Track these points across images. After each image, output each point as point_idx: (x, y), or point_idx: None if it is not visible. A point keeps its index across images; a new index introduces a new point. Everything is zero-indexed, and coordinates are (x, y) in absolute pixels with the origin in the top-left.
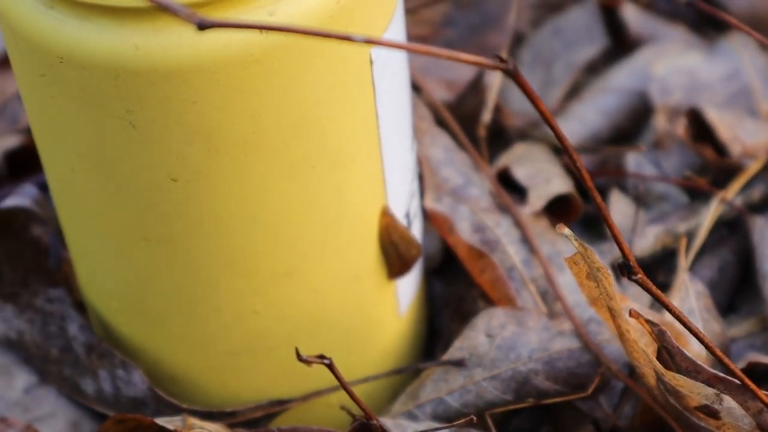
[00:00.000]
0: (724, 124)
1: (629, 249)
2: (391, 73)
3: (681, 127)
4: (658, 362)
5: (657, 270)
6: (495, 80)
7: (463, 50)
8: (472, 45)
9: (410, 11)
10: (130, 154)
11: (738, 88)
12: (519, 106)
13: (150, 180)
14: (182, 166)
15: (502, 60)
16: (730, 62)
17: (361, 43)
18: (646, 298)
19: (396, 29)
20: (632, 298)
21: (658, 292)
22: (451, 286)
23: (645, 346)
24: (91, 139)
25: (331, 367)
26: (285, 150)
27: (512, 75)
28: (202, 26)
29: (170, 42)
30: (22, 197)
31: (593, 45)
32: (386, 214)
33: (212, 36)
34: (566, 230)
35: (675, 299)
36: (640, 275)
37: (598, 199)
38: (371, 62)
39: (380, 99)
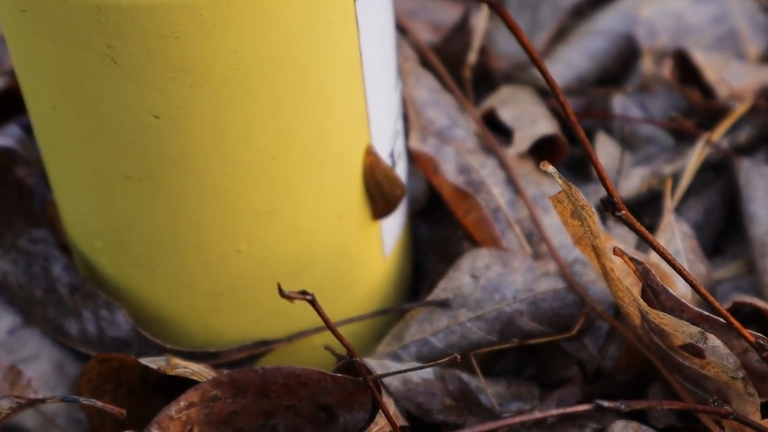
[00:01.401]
0: (710, 66)
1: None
2: (376, 10)
3: (667, 70)
4: (642, 301)
5: (642, 212)
6: (481, 22)
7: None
8: None
9: None
10: (112, 91)
11: (725, 31)
12: (505, 49)
13: (132, 117)
14: (164, 102)
15: None
16: (717, 5)
17: None
18: (632, 239)
19: None
20: (617, 239)
21: (643, 228)
22: (436, 228)
23: (630, 286)
24: (72, 75)
25: (313, 303)
26: (267, 87)
27: (496, 9)
28: None
29: None
30: (5, 138)
31: None
32: (370, 153)
33: None
34: (550, 168)
35: (660, 240)
36: (624, 212)
37: (583, 136)
38: (355, 14)
39: (364, 37)
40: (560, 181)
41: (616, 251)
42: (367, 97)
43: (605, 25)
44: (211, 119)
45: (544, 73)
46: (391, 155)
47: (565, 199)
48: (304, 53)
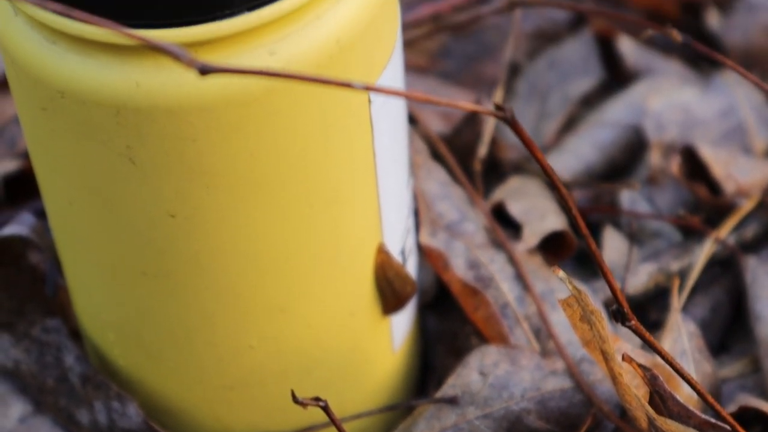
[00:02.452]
0: (718, 161)
1: (622, 289)
2: (389, 111)
3: (675, 165)
4: (650, 407)
5: (650, 308)
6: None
7: (460, 81)
8: (469, 75)
9: (408, 42)
10: (129, 190)
11: (733, 125)
12: (514, 139)
13: (148, 215)
14: (181, 202)
15: (499, 108)
16: (725, 98)
17: (360, 89)
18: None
19: (395, 66)
20: (625, 338)
21: (651, 338)
22: (445, 321)
23: (637, 389)
24: (90, 173)
25: (326, 409)
26: (282, 188)
27: (510, 123)
28: (204, 71)
29: (171, 80)
30: (20, 226)
31: (589, 77)
32: (382, 252)
33: (213, 75)
34: (561, 273)
35: (667, 340)
36: (633, 322)
37: (592, 244)
38: (369, 102)
39: (378, 137)
40: (570, 287)
41: (625, 358)
42: (379, 196)
43: (614, 115)
44: (227, 219)
45: (558, 188)
46: (402, 252)
47: (574, 304)
48: (319, 155)
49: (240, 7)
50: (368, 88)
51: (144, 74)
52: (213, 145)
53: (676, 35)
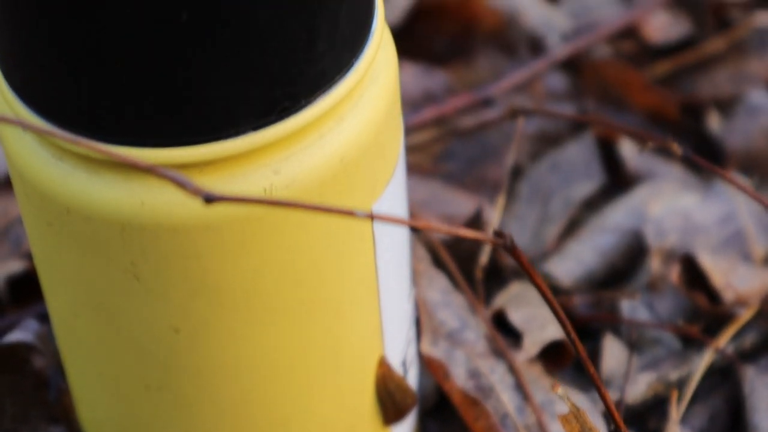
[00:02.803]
0: (717, 270)
1: (622, 398)
2: (392, 226)
3: (675, 273)
4: None
5: (649, 416)
6: (495, 216)
7: (463, 183)
8: (471, 178)
9: (412, 145)
10: (134, 305)
11: (732, 232)
12: (516, 242)
13: (152, 330)
14: (185, 317)
15: (498, 234)
16: (725, 204)
17: (363, 217)
18: None
19: (398, 180)
20: None
21: None
22: (446, 427)
23: None
24: (95, 287)
25: None
26: (285, 303)
27: (509, 250)
28: (209, 199)
29: (175, 199)
30: (24, 332)
31: (591, 181)
32: (383, 365)
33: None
34: (560, 390)
35: None
36: None
37: (589, 365)
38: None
39: (380, 252)
40: (569, 404)
41: None
42: (381, 309)
43: (614, 220)
44: (230, 334)
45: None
46: (404, 363)
47: (573, 420)
48: (322, 271)
49: (245, 128)
50: (370, 216)
51: (149, 193)
52: (217, 263)
53: (676, 148)
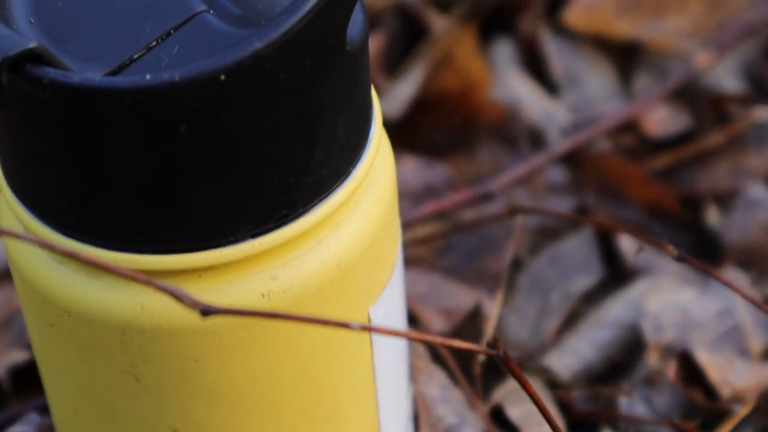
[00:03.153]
0: (714, 366)
1: None
2: (390, 318)
3: (672, 370)
4: None
5: None
6: (494, 310)
7: (463, 276)
8: (472, 271)
9: (412, 239)
10: (133, 405)
11: (729, 327)
12: (515, 335)
13: (152, 430)
14: (183, 417)
15: (492, 346)
16: (722, 299)
17: (359, 329)
18: None
19: (396, 283)
20: None
21: None
22: None
23: None
24: (95, 386)
25: None
26: (283, 404)
27: (503, 362)
28: (206, 312)
29: (174, 303)
30: (26, 426)
31: (590, 274)
32: None
33: (216, 300)
34: None
35: None
36: None
37: None
38: (369, 320)
39: (377, 353)
40: None
41: None
42: (379, 408)
43: (613, 315)
44: None
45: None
46: None
47: None
48: (320, 373)
49: (243, 235)
50: (366, 328)
51: (148, 296)
52: (215, 365)
53: (671, 250)
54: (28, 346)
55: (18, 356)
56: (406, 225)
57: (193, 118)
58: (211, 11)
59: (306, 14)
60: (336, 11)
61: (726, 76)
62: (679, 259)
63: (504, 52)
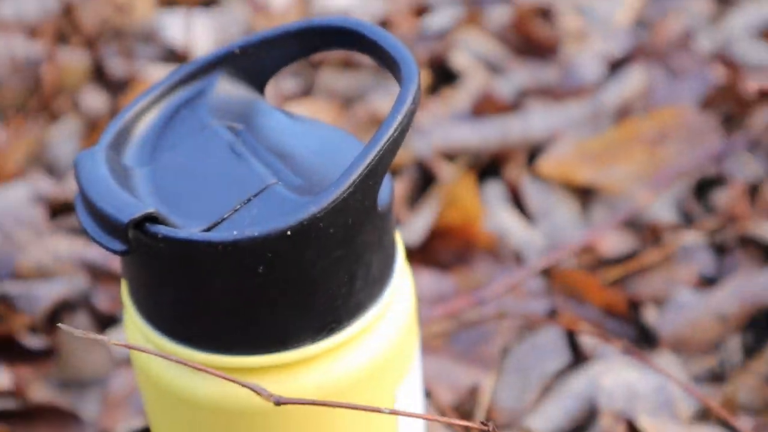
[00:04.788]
0: (652, 428)
1: None
2: (411, 397)
3: (621, 430)
4: None
5: None
6: (488, 386)
7: (467, 359)
8: (472, 356)
9: (427, 332)
10: None
11: (665, 398)
12: (505, 403)
13: None
14: None
15: (484, 424)
16: (659, 378)
17: (388, 413)
18: None
19: (415, 370)
20: None
21: None
22: None
23: None
24: None
25: None
26: None
27: None
28: (278, 403)
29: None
30: None
31: (559, 359)
32: None
33: (283, 389)
34: None
35: None
36: None
37: None
38: (395, 399)
39: (401, 421)
40: None
41: None
42: None
43: (576, 389)
44: None
45: None
46: None
47: None
48: None
49: (304, 342)
50: (393, 412)
51: (234, 387)
52: None
53: (618, 344)
54: (141, 415)
55: (136, 422)
56: (424, 323)
57: (268, 262)
58: (280, 183)
59: (349, 186)
60: (370, 183)
61: (661, 210)
62: (624, 351)
63: (494, 192)
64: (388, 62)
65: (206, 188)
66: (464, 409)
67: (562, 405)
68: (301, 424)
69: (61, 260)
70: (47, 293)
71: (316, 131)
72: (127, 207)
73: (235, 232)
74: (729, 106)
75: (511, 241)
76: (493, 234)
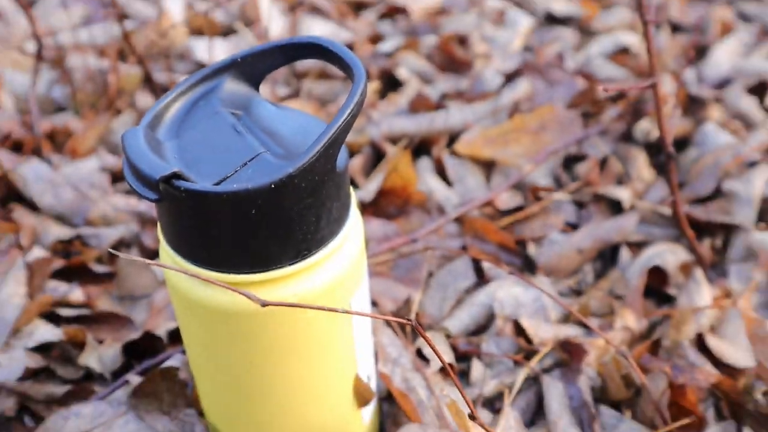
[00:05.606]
0: (531, 326)
1: (480, 394)
2: (362, 304)
3: (509, 329)
4: None
5: (495, 402)
6: (417, 298)
7: (405, 281)
8: (407, 278)
9: (376, 263)
10: (226, 348)
11: (540, 306)
12: (429, 311)
13: (236, 363)
14: (252, 354)
15: (408, 319)
16: (535, 293)
17: (343, 312)
18: None
19: (365, 285)
20: None
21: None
22: (391, 408)
23: None
24: (206, 342)
25: None
26: (304, 348)
27: (414, 328)
28: (264, 305)
29: (246, 300)
30: (175, 360)
31: (468, 280)
32: (357, 378)
33: (269, 297)
34: (446, 390)
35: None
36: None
37: (456, 382)
38: (350, 306)
39: (355, 322)
40: (449, 399)
41: None
42: (356, 350)
43: (479, 299)
44: (276, 365)
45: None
46: (368, 377)
47: (453, 407)
48: (325, 334)
49: (284, 264)
50: (345, 312)
51: (234, 296)
52: (267, 330)
53: (506, 268)
54: (174, 319)
55: (170, 324)
56: (372, 256)
57: (258, 207)
58: (268, 152)
59: (315, 154)
60: (330, 152)
61: (540, 177)
62: (511, 273)
63: (424, 165)
64: (344, 67)
65: (215, 155)
66: (401, 314)
67: (469, 312)
68: (280, 321)
69: (119, 212)
70: (109, 234)
71: (295, 117)
72: (158, 168)
73: (235, 186)
74: (587, 106)
75: (436, 198)
76: (423, 193)
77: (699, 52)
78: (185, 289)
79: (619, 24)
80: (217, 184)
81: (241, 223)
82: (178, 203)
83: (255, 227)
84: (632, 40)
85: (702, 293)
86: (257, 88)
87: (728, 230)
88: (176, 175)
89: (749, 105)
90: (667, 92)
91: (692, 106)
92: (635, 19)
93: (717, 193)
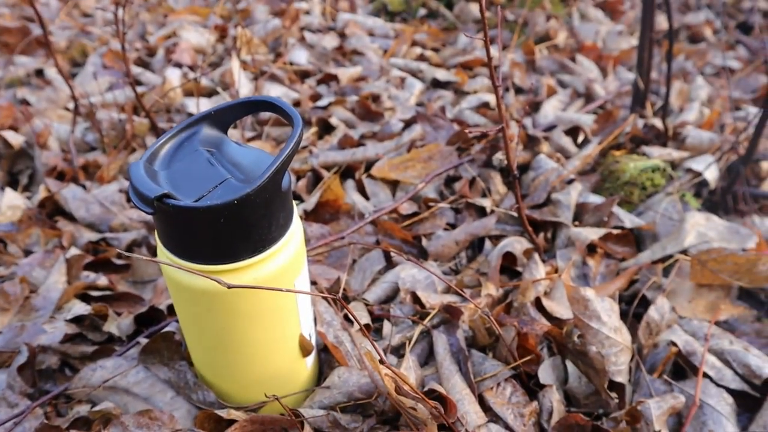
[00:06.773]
0: (424, 296)
1: (389, 345)
2: (303, 284)
3: (408, 298)
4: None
5: (398, 351)
6: (344, 278)
7: (334, 266)
8: (337, 264)
9: (314, 254)
10: (206, 320)
11: (430, 282)
12: (353, 286)
13: (213, 328)
14: (225, 323)
15: (335, 293)
16: (426, 273)
17: (286, 291)
18: None
19: (305, 270)
20: None
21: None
22: (327, 356)
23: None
24: (192, 313)
25: (278, 399)
26: (261, 317)
27: (339, 301)
28: (229, 287)
29: (217, 284)
30: (172, 326)
31: (380, 264)
32: (301, 336)
33: (233, 281)
34: (368, 346)
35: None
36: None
37: (368, 336)
38: (294, 285)
39: (299, 298)
40: (365, 349)
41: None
42: (299, 316)
43: (390, 278)
44: (243, 329)
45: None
46: (309, 335)
47: (369, 356)
48: (275, 305)
49: (244, 257)
50: (288, 290)
51: (207, 282)
52: (234, 304)
53: (407, 257)
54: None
55: (169, 301)
56: (312, 249)
57: (225, 217)
58: (232, 178)
59: (266, 179)
60: (277, 177)
61: (430, 192)
62: (410, 259)
63: (350, 184)
64: (287, 117)
65: (195, 181)
66: (334, 290)
67: (381, 287)
68: (243, 298)
69: (133, 221)
70: (126, 237)
71: (253, 153)
72: (153, 189)
73: (208, 202)
74: (461, 143)
75: (358, 207)
76: (349, 204)
77: (534, 107)
78: (176, 277)
79: (481, 87)
80: (196, 201)
81: (214, 228)
82: (168, 215)
83: (224, 231)
84: (490, 98)
85: (539, 270)
86: (226, 132)
87: (555, 226)
88: (166, 195)
89: (567, 142)
90: (513, 133)
91: (530, 142)
92: (491, 85)
93: (548, 201)
